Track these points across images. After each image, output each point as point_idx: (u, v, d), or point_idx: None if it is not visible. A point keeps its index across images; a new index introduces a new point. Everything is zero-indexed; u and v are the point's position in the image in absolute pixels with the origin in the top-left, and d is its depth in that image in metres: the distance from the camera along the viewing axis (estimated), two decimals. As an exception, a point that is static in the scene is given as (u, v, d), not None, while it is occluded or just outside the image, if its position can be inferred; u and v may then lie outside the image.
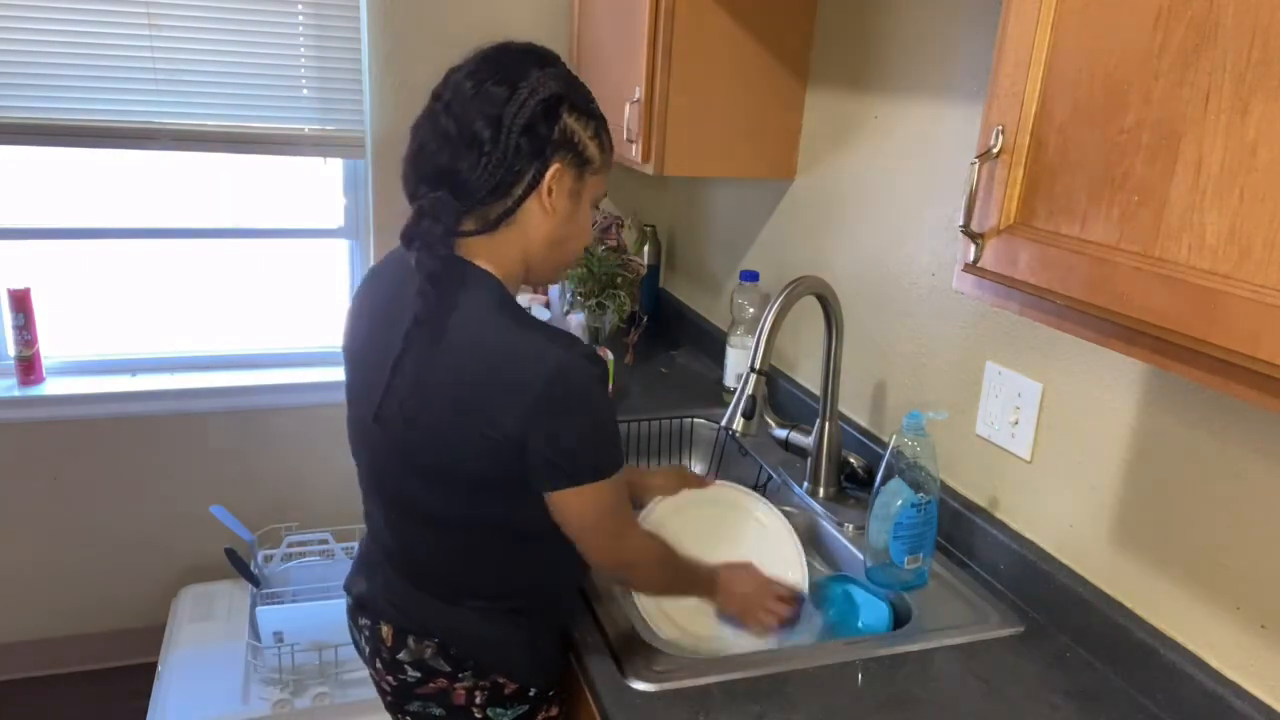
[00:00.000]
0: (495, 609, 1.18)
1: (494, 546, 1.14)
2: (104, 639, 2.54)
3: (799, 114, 1.87)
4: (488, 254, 1.11)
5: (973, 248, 0.92)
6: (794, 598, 1.32)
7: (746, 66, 1.79)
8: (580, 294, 2.18)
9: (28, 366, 2.32)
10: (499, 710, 1.21)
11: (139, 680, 2.32)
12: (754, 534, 1.43)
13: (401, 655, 1.20)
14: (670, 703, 1.08)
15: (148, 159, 2.34)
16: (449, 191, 1.07)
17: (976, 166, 0.90)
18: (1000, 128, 0.88)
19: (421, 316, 1.05)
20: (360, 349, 1.19)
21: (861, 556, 1.38)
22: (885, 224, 1.63)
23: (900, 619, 1.32)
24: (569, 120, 1.09)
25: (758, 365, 1.42)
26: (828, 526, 1.52)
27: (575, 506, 1.09)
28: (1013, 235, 0.88)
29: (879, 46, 1.62)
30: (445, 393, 1.06)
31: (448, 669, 1.19)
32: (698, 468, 1.92)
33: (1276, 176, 0.65)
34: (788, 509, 1.57)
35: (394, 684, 1.23)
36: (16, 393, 2.31)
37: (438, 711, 1.22)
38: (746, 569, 1.34)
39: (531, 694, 1.22)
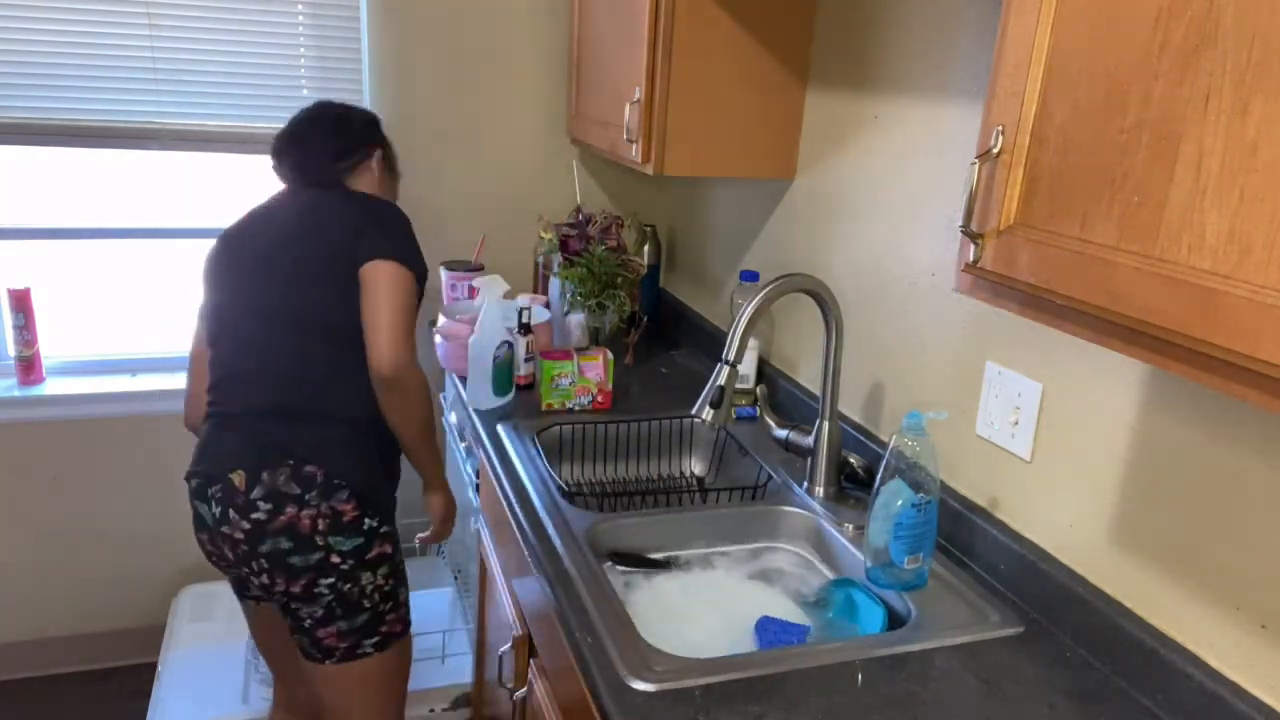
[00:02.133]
0: (345, 419, 1.51)
1: (353, 352, 1.50)
2: (104, 639, 2.54)
3: (799, 114, 1.87)
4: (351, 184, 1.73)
5: (973, 248, 0.92)
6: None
7: (746, 66, 1.79)
8: (580, 294, 2.18)
9: (28, 366, 2.32)
10: (339, 539, 1.47)
11: (139, 680, 2.32)
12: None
13: (255, 493, 1.44)
14: (670, 703, 1.08)
15: (148, 159, 2.34)
16: (327, 149, 1.71)
17: (976, 166, 0.90)
18: (1000, 128, 0.88)
19: (318, 181, 1.66)
20: (243, 264, 1.59)
21: (861, 556, 1.38)
22: (885, 224, 1.63)
23: (899, 620, 1.32)
24: (383, 134, 1.84)
25: (730, 357, 1.43)
26: (828, 526, 1.52)
27: (379, 278, 1.49)
28: (1013, 235, 0.88)
29: (879, 46, 1.62)
30: (333, 240, 1.54)
31: (297, 491, 1.44)
32: (698, 468, 1.92)
33: (1276, 176, 0.65)
34: (787, 509, 1.57)
35: (246, 528, 1.45)
36: (16, 393, 2.31)
37: (286, 544, 1.45)
38: (449, 499, 1.78)
39: (365, 526, 1.50)
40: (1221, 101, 0.68)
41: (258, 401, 1.51)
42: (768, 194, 2.03)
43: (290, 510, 1.45)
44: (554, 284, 2.30)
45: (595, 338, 2.24)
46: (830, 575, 1.51)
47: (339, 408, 1.51)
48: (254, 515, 1.45)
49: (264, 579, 1.49)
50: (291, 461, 1.45)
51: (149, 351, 2.49)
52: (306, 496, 1.45)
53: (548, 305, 2.29)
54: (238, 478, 1.46)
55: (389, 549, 1.55)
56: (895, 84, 1.58)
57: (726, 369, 1.43)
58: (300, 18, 2.28)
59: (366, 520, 1.51)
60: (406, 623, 1.65)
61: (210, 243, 1.67)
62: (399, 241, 1.55)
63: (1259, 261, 0.66)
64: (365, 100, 2.37)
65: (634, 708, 1.07)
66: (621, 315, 2.20)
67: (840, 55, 1.74)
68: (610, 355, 1.95)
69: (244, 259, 1.59)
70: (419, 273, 1.56)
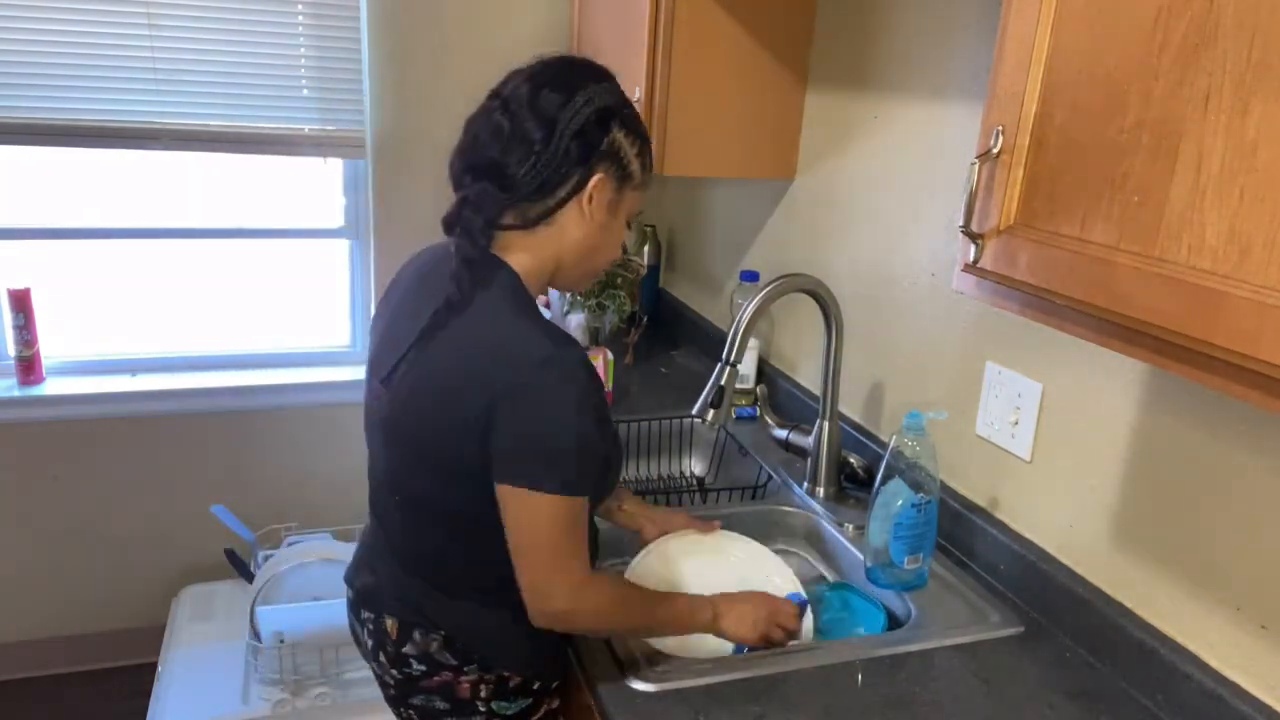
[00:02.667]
0: (495, 602, 1.17)
1: (486, 538, 1.13)
2: (104, 639, 2.54)
3: (799, 114, 1.87)
4: (522, 250, 1.14)
5: (973, 248, 0.92)
6: (796, 606, 1.30)
7: (746, 66, 1.79)
8: (580, 294, 2.18)
9: (28, 366, 2.32)
10: (503, 704, 1.22)
11: (139, 680, 2.32)
12: (735, 563, 1.39)
13: (407, 649, 1.20)
14: (670, 703, 1.08)
15: (148, 159, 2.34)
16: (494, 184, 1.11)
17: (976, 166, 0.90)
18: (1000, 128, 0.88)
19: (453, 299, 1.09)
20: (384, 327, 1.24)
21: (861, 556, 1.38)
22: (885, 224, 1.63)
23: (899, 621, 1.32)
24: (618, 134, 1.13)
25: (730, 358, 1.43)
26: (828, 526, 1.52)
27: (515, 511, 1.07)
28: (1013, 235, 0.88)
29: (879, 46, 1.62)
30: (443, 370, 1.10)
31: (454, 662, 1.19)
32: (698, 468, 1.92)
33: (1276, 176, 0.65)
34: (787, 509, 1.57)
35: (398, 677, 1.23)
36: (16, 393, 2.31)
37: (441, 705, 1.22)
38: (740, 594, 1.28)
39: (536, 687, 1.23)
40: (1221, 101, 0.68)
41: (386, 538, 1.26)
42: (768, 194, 2.03)
43: (446, 675, 1.20)
44: (554, 284, 2.30)
45: (595, 338, 2.24)
46: (830, 576, 1.51)
47: (479, 591, 1.19)
48: (406, 670, 1.22)
49: None
50: (443, 633, 1.19)
51: (149, 351, 2.49)
52: (465, 668, 1.20)
53: (548, 305, 2.29)
54: (390, 624, 1.22)
55: (556, 702, 1.30)
56: (895, 84, 1.58)
57: (727, 369, 1.43)
58: (300, 18, 2.28)
59: (536, 682, 1.24)
60: None
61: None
62: (545, 444, 1.06)
63: (1259, 261, 0.66)
64: (365, 100, 2.37)
65: (634, 708, 1.07)
66: (621, 315, 2.20)
67: (840, 55, 1.74)
68: (610, 355, 1.95)
69: (387, 346, 1.21)
70: (579, 489, 1.08)
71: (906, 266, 1.58)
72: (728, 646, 1.28)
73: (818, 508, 1.56)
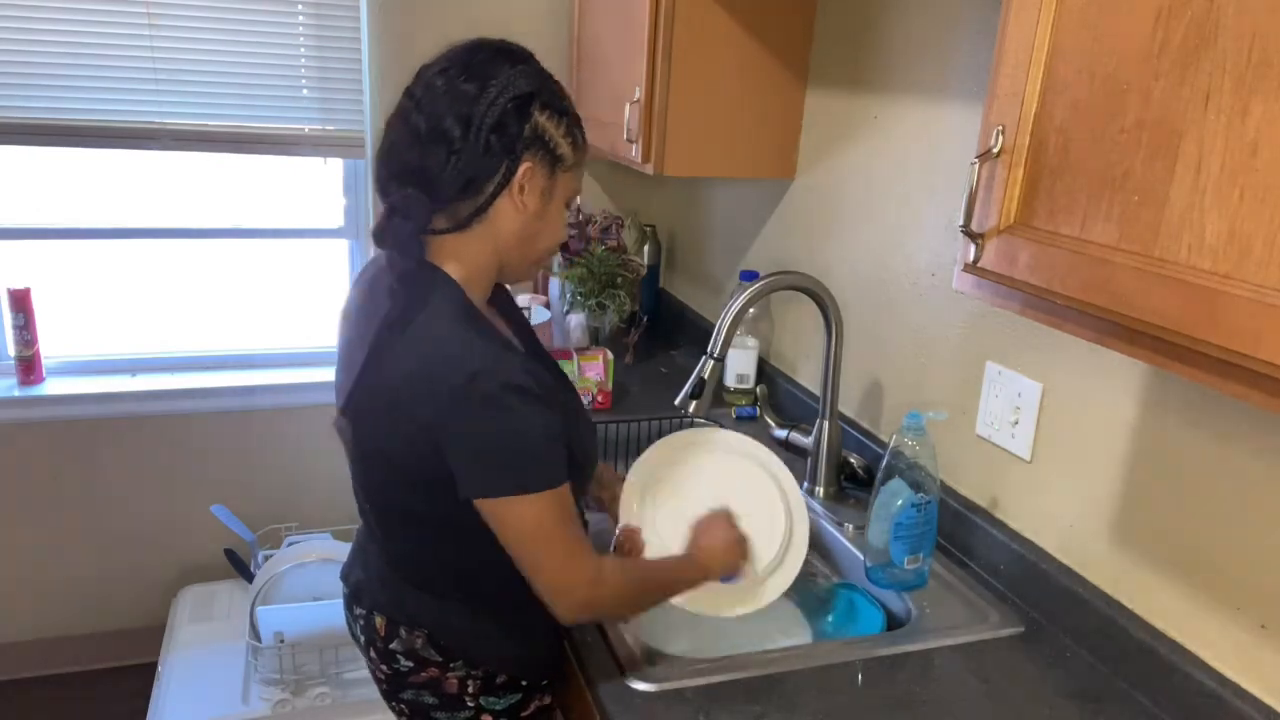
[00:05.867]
0: (479, 603, 1.19)
1: (464, 542, 1.12)
2: (104, 639, 2.54)
3: (799, 114, 1.87)
4: (459, 252, 1.11)
5: (973, 248, 0.92)
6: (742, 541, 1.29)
7: (746, 66, 1.79)
8: (580, 294, 2.18)
9: (28, 366, 2.32)
10: (491, 699, 1.22)
11: (139, 680, 2.32)
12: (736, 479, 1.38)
13: (394, 645, 1.21)
14: (670, 703, 1.08)
15: (148, 159, 2.34)
16: (419, 190, 1.06)
17: (976, 166, 0.90)
18: (1000, 128, 0.88)
19: (391, 318, 1.07)
20: (342, 349, 1.23)
21: (861, 556, 1.38)
22: (885, 224, 1.63)
23: (899, 621, 1.32)
24: (540, 118, 1.08)
25: (714, 352, 1.44)
26: (828, 526, 1.52)
27: (502, 520, 1.06)
28: (1013, 235, 0.88)
29: (879, 46, 1.62)
30: (389, 387, 1.07)
31: (439, 659, 1.20)
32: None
33: (1276, 176, 0.65)
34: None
35: (388, 673, 1.24)
36: (16, 393, 2.31)
37: (430, 699, 1.23)
38: (709, 530, 1.28)
39: (525, 683, 1.24)
40: (1221, 101, 0.68)
41: (372, 540, 1.27)
42: (768, 194, 2.03)
43: (433, 670, 1.21)
44: (554, 284, 2.30)
45: (595, 338, 2.24)
46: (830, 575, 1.51)
47: (459, 593, 1.19)
48: (394, 666, 1.23)
49: (405, 717, 1.29)
50: (425, 633, 1.20)
51: (149, 351, 2.49)
52: (451, 665, 1.20)
53: (548, 305, 2.29)
54: (379, 621, 1.23)
55: (548, 699, 1.29)
56: (895, 84, 1.58)
57: (711, 362, 1.44)
58: (300, 18, 2.28)
59: (525, 679, 1.24)
60: None
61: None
62: (505, 450, 1.04)
63: (1259, 261, 0.66)
64: (365, 101, 2.37)
65: (634, 708, 1.07)
66: (621, 315, 2.20)
67: (840, 55, 1.74)
68: (610, 355, 1.95)
69: (347, 367, 1.19)
70: (553, 479, 1.06)
71: (906, 266, 1.58)
72: (727, 646, 1.28)
73: (818, 508, 1.56)
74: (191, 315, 2.51)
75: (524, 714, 1.26)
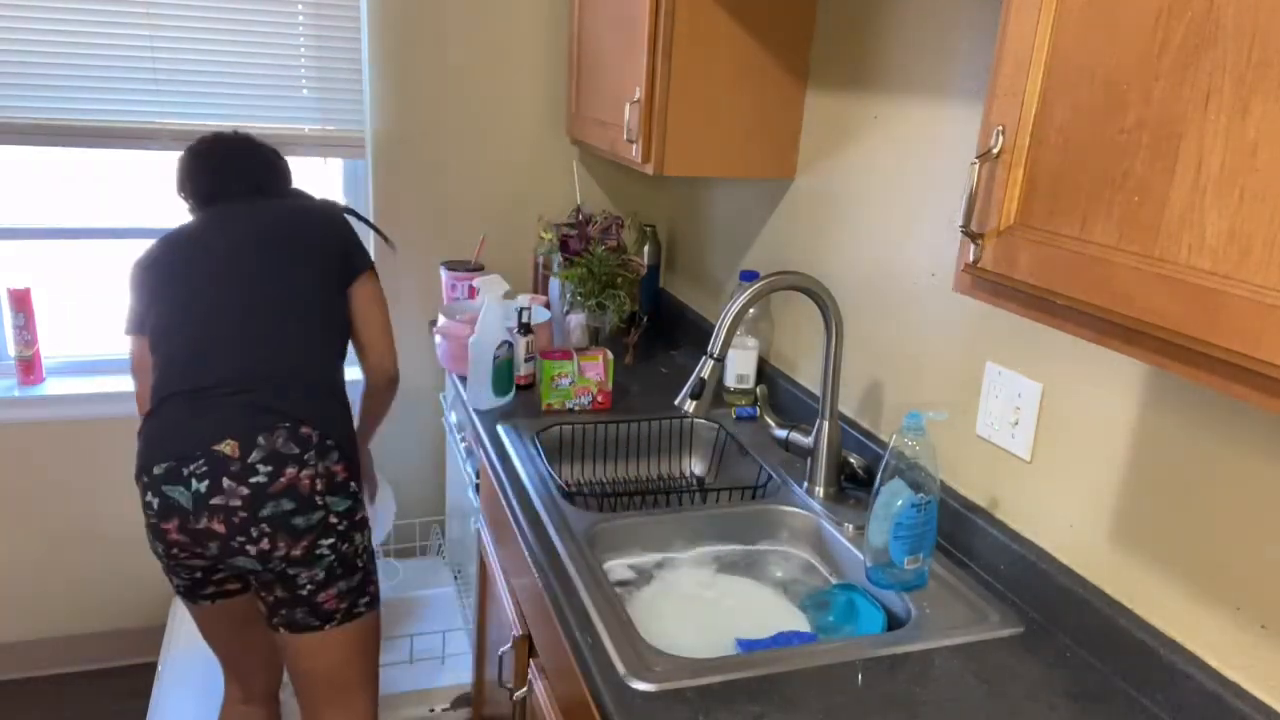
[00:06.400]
0: (329, 389, 1.59)
1: (326, 337, 1.63)
2: (104, 639, 2.54)
3: (799, 114, 1.87)
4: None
5: (973, 248, 0.92)
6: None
7: (746, 66, 1.79)
8: (580, 294, 2.18)
9: (28, 366, 2.32)
10: (335, 499, 1.53)
11: (139, 680, 2.32)
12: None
13: (252, 456, 1.46)
14: (670, 703, 1.08)
15: (148, 159, 2.34)
16: (272, 182, 1.82)
17: (976, 166, 0.90)
18: (1000, 128, 0.88)
19: (264, 192, 1.77)
20: (195, 249, 1.66)
21: (861, 556, 1.38)
22: (885, 224, 1.63)
23: (899, 621, 1.32)
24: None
25: (714, 352, 1.44)
26: (828, 526, 1.52)
27: (368, 289, 1.73)
28: (1013, 235, 0.88)
29: (879, 46, 1.62)
30: (283, 218, 1.69)
31: (296, 451, 1.48)
32: (698, 468, 1.92)
33: (1276, 176, 0.65)
34: (787, 509, 1.57)
35: (246, 495, 1.45)
36: (16, 393, 2.31)
37: (289, 505, 1.47)
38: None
39: (351, 488, 1.57)
40: (1221, 101, 0.68)
41: (235, 372, 1.53)
42: (768, 194, 2.03)
43: (290, 471, 1.47)
44: (554, 284, 2.30)
45: (595, 338, 2.24)
46: (830, 575, 1.51)
47: (322, 376, 1.59)
48: (253, 480, 1.45)
49: (264, 544, 1.48)
50: (288, 424, 1.49)
51: (149, 351, 2.49)
52: (305, 456, 1.49)
53: (548, 305, 2.29)
54: (229, 447, 1.46)
55: (363, 513, 1.63)
56: (895, 84, 1.58)
57: (711, 363, 1.44)
58: (300, 18, 2.28)
59: (352, 483, 1.57)
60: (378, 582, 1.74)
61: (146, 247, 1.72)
62: (365, 250, 1.74)
63: (1259, 261, 0.66)
64: (365, 101, 2.37)
65: (634, 708, 1.07)
66: (621, 315, 2.20)
67: (840, 55, 1.74)
68: (610, 355, 1.95)
69: (212, 257, 1.62)
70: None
71: (906, 266, 1.58)
72: (727, 646, 1.28)
73: (818, 508, 1.56)
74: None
75: (356, 517, 1.58)
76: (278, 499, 1.47)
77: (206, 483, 1.45)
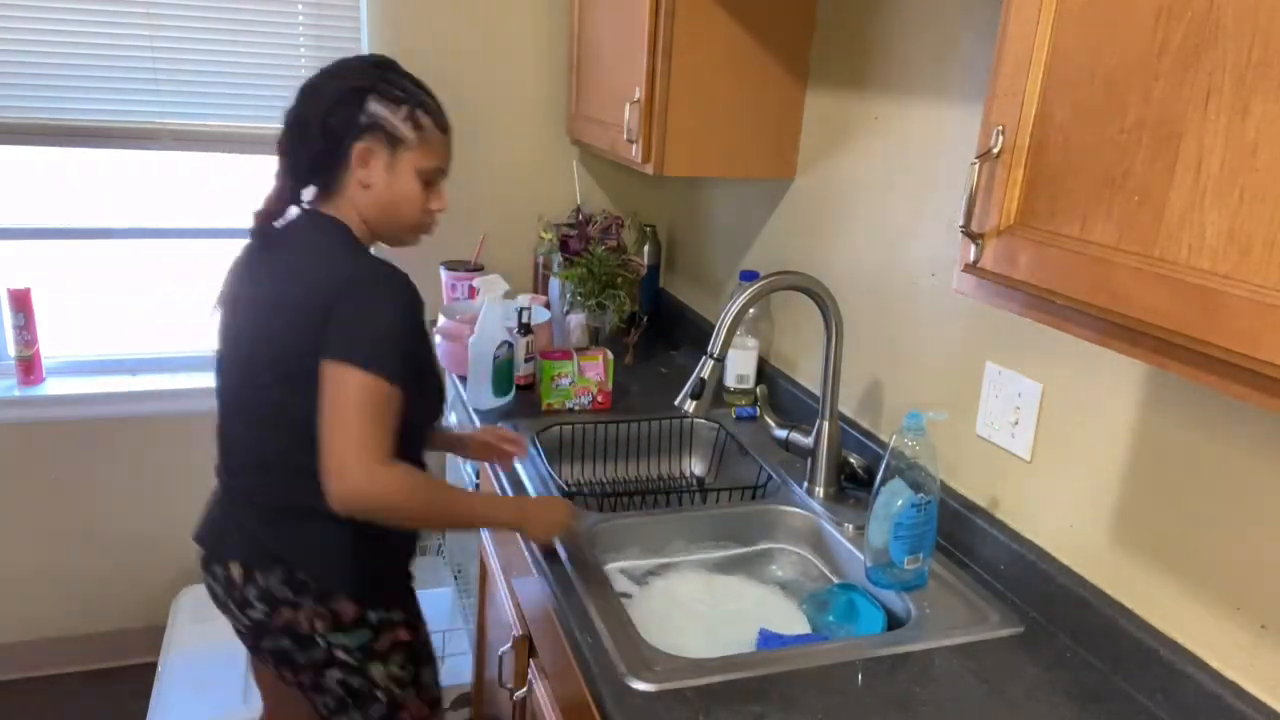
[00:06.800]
0: (330, 516, 1.22)
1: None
2: (104, 639, 2.54)
3: (799, 114, 1.87)
4: (335, 213, 1.35)
5: (973, 248, 0.92)
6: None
7: (746, 67, 1.79)
8: (580, 294, 2.18)
9: (28, 366, 2.32)
10: (340, 636, 1.33)
11: (139, 680, 2.32)
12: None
13: (249, 591, 1.33)
14: (670, 703, 1.08)
15: (148, 159, 2.34)
16: (287, 168, 1.36)
17: (976, 166, 0.90)
18: (1000, 128, 0.88)
19: (253, 231, 1.34)
20: (225, 315, 1.42)
21: (861, 556, 1.38)
22: (885, 224, 1.63)
23: (899, 621, 1.32)
24: (375, 106, 1.30)
25: (715, 352, 1.44)
26: (828, 526, 1.52)
27: (335, 384, 1.20)
28: (1013, 235, 0.88)
29: (879, 46, 1.62)
30: (279, 290, 1.29)
31: (290, 596, 1.31)
32: (698, 468, 1.92)
33: (1276, 176, 0.65)
34: (787, 509, 1.57)
35: (247, 623, 1.36)
36: (16, 393, 2.31)
37: (288, 644, 1.34)
38: (549, 500, 1.43)
39: (372, 619, 1.34)
40: (1221, 101, 0.68)
41: (234, 484, 1.39)
42: (768, 194, 2.03)
43: (286, 613, 1.32)
44: (554, 284, 2.30)
45: (595, 338, 2.24)
46: (830, 575, 1.51)
47: (316, 502, 1.22)
48: (251, 613, 1.34)
49: (271, 668, 1.41)
50: (280, 567, 1.31)
51: (149, 351, 2.49)
52: (300, 600, 1.31)
53: (548, 305, 2.29)
54: (235, 570, 1.34)
55: (403, 634, 1.39)
56: (895, 84, 1.58)
57: (711, 363, 1.44)
58: (300, 18, 2.28)
59: (370, 614, 1.34)
60: (434, 701, 1.48)
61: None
62: (367, 331, 1.22)
63: (1259, 261, 0.66)
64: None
65: (634, 708, 1.07)
66: (621, 315, 2.20)
67: (840, 55, 1.74)
68: (610, 355, 1.95)
69: (235, 305, 1.39)
70: (390, 374, 1.21)
71: (906, 266, 1.58)
72: (727, 646, 1.28)
73: (818, 508, 1.56)
74: (192, 315, 2.51)
75: (377, 648, 1.36)
76: (276, 636, 1.34)
77: (222, 592, 1.38)
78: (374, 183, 1.33)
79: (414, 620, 1.42)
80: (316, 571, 1.31)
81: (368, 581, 1.33)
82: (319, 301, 1.23)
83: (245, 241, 1.39)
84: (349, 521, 1.24)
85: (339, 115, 1.30)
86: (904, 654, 1.20)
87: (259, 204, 1.36)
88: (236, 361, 1.36)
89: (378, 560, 1.35)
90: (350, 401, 1.19)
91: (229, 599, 1.36)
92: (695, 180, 2.42)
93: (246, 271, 1.38)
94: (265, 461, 1.33)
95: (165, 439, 2.44)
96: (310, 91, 1.33)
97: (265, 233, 1.35)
